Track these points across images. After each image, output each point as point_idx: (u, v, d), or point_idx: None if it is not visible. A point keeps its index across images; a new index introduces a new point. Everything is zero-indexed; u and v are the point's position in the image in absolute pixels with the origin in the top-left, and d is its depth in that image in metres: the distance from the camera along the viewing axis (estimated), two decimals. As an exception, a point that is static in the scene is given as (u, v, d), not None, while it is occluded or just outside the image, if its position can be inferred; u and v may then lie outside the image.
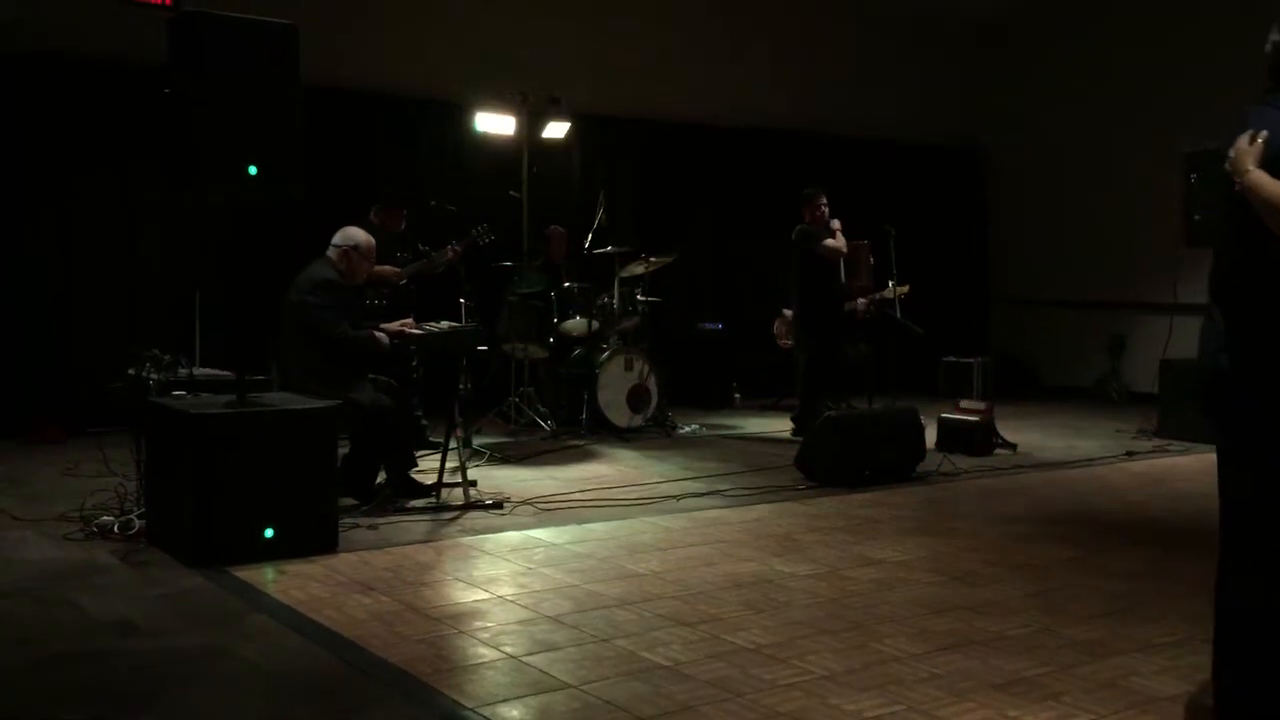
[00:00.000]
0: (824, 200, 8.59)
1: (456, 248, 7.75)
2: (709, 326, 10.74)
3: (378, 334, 6.03)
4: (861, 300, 8.74)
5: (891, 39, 12.29)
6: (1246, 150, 2.85)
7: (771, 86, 11.48)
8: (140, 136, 8.22)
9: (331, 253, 6.06)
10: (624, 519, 5.84)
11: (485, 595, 4.47)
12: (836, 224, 8.55)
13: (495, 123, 9.43)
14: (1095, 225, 11.83)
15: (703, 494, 6.49)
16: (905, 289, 8.60)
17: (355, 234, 6.12)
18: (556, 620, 4.14)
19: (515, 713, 3.32)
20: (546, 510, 5.99)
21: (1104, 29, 11.79)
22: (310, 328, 5.82)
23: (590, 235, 9.07)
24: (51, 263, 8.30)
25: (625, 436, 8.48)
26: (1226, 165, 2.89)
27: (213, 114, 4.74)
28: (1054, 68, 12.28)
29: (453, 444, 6.09)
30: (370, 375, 6.13)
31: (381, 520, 5.63)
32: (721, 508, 6.17)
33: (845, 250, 8.52)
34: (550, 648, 3.84)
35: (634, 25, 10.73)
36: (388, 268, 7.31)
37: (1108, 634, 4.05)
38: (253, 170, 4.77)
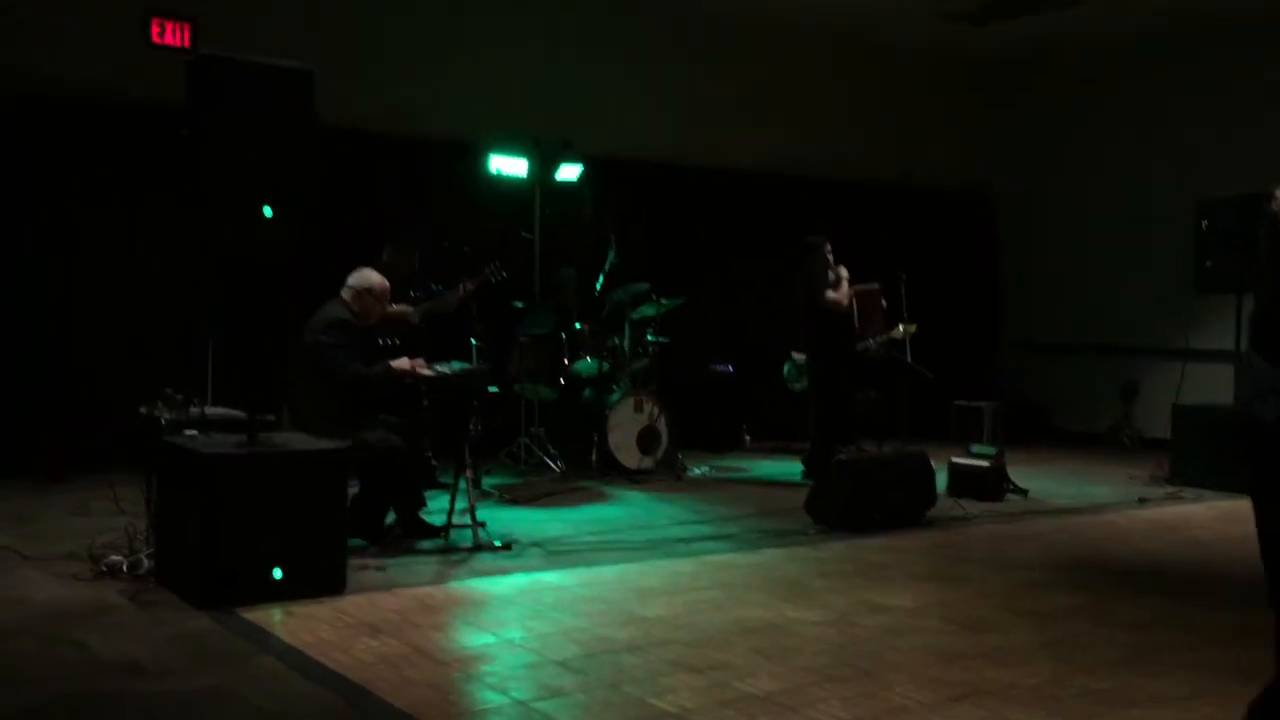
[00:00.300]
0: (828, 248, 8.53)
1: (469, 285, 7.78)
2: (719, 368, 10.73)
3: (393, 364, 6.05)
4: (871, 341, 8.67)
5: (903, 83, 12.36)
6: None
7: (783, 130, 11.54)
8: (153, 176, 8.31)
9: (345, 294, 6.10)
10: (633, 562, 5.82)
11: (493, 639, 4.45)
12: (844, 272, 8.51)
13: (508, 165, 9.50)
14: (1107, 270, 11.83)
15: (712, 537, 6.47)
16: (914, 327, 8.57)
17: (370, 276, 6.16)
18: (564, 665, 4.11)
19: (522, 759, 3.30)
20: (555, 553, 5.97)
21: (1116, 75, 11.85)
22: (324, 367, 5.84)
23: (601, 277, 9.10)
24: (65, 298, 8.35)
25: (635, 478, 8.47)
26: (1273, 205, 2.85)
27: (229, 156, 4.78)
28: (1066, 113, 12.34)
29: (462, 485, 6.08)
30: (381, 416, 6.15)
31: (390, 561, 5.62)
32: (731, 551, 6.14)
33: (845, 302, 8.43)
34: (558, 693, 3.82)
35: (646, 70, 10.82)
36: (403, 308, 7.35)
37: (1120, 684, 4.01)
38: (268, 212, 4.81)
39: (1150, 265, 11.24)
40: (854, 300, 8.53)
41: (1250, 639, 4.65)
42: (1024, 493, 8.09)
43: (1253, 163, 10.28)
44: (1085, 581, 5.62)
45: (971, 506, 7.47)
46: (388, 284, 6.25)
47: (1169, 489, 8.57)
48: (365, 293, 6.09)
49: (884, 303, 8.66)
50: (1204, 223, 8.87)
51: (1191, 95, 11.15)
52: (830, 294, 8.40)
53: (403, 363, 6.07)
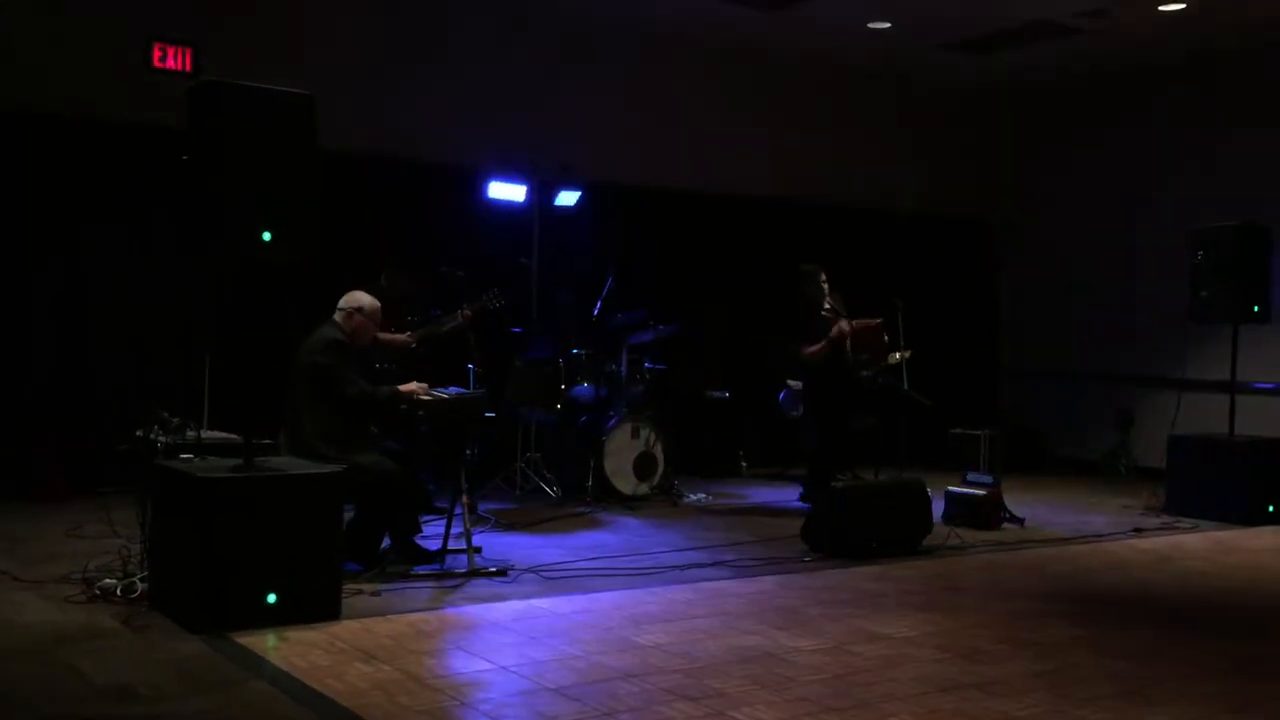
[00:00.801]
0: (823, 277, 8.41)
1: (467, 312, 7.79)
2: (716, 395, 10.74)
3: (400, 388, 6.07)
4: (866, 371, 8.53)
5: (901, 112, 12.42)
6: None
7: (782, 158, 11.59)
8: (153, 198, 8.33)
9: (337, 316, 6.11)
10: (629, 589, 5.81)
11: (488, 665, 4.43)
12: (844, 327, 8.24)
13: (507, 190, 9.53)
14: (1104, 299, 11.87)
15: (708, 564, 6.45)
16: (908, 353, 8.55)
17: (360, 297, 6.17)
18: (559, 692, 4.10)
19: (516, 788, 3.28)
20: (551, 579, 5.96)
21: (1113, 105, 11.92)
22: (329, 388, 5.84)
23: (599, 302, 9.12)
24: (63, 321, 8.36)
25: (631, 504, 8.46)
26: None
27: (230, 182, 4.79)
28: (1063, 143, 12.41)
29: (458, 510, 6.07)
30: (378, 440, 6.15)
31: (385, 587, 5.60)
32: (727, 579, 6.13)
33: (824, 352, 8.22)
34: (552, 721, 3.81)
35: (645, 96, 10.87)
36: (398, 336, 7.36)
37: (1116, 716, 4.00)
38: (266, 236, 4.81)
39: (1146, 295, 11.29)
40: (849, 336, 8.32)
41: (1247, 670, 4.65)
42: (1020, 521, 8.09)
43: (1247, 193, 10.35)
44: (1081, 612, 5.61)
45: (967, 535, 7.47)
46: (378, 304, 6.25)
47: (1164, 519, 8.57)
48: (356, 313, 6.10)
49: (886, 338, 8.43)
50: (1199, 253, 8.91)
51: (1187, 125, 11.22)
52: (808, 349, 8.24)
53: (411, 386, 6.10)
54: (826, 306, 8.39)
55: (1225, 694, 4.29)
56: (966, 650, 4.81)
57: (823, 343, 8.19)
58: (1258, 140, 10.60)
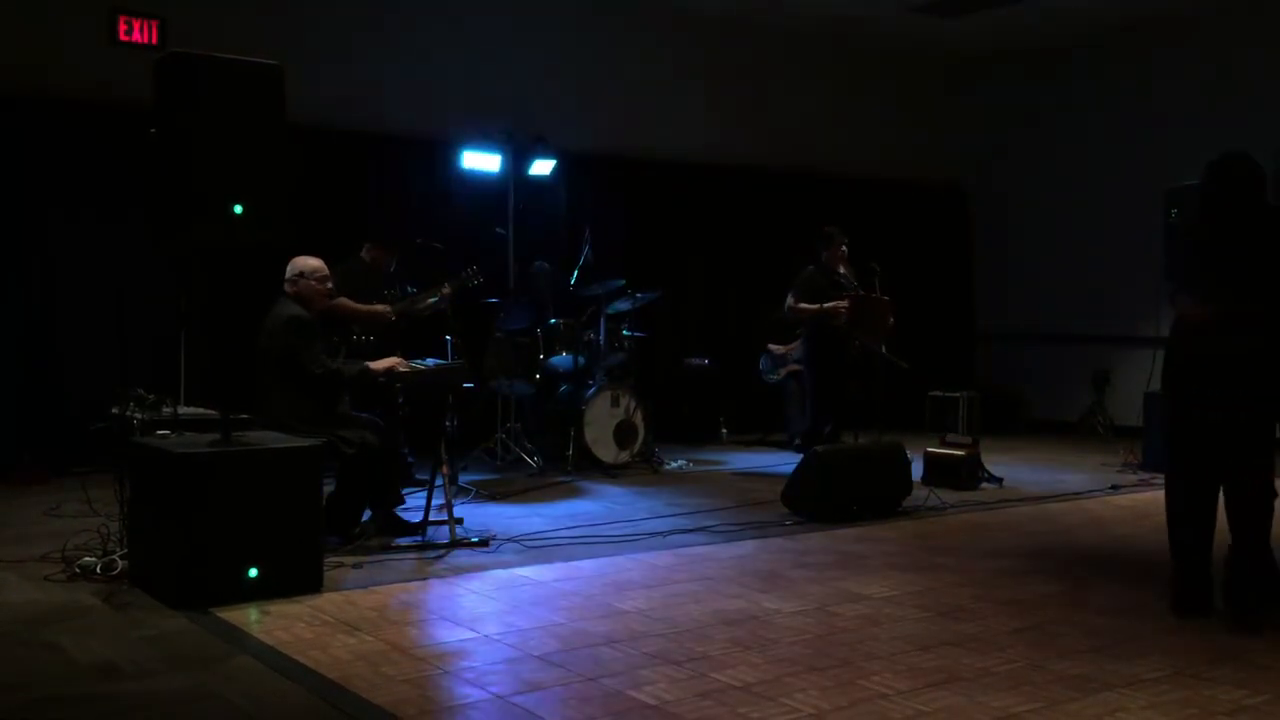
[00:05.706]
0: (843, 244, 8.39)
1: (446, 289, 7.74)
2: (696, 362, 10.75)
3: (371, 365, 6.05)
4: (857, 341, 8.36)
5: (877, 78, 12.41)
6: None
7: (758, 126, 11.57)
8: (123, 175, 8.23)
9: (287, 288, 6.06)
10: (611, 556, 5.83)
11: (471, 634, 4.44)
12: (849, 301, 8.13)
13: (481, 160, 9.47)
14: (1079, 260, 11.92)
15: (690, 530, 6.48)
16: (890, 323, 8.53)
17: (301, 262, 6.10)
18: (543, 659, 4.12)
19: (501, 754, 3.29)
20: (533, 548, 5.97)
21: (1086, 67, 11.93)
22: (294, 367, 5.80)
23: (576, 272, 9.09)
24: (36, 301, 8.27)
25: (612, 472, 8.47)
26: None
27: (199, 155, 4.74)
28: (1036, 107, 12.42)
29: (439, 481, 6.07)
30: (356, 413, 6.13)
31: (367, 559, 5.61)
32: (708, 544, 6.16)
33: (810, 313, 8.30)
34: (537, 687, 3.82)
35: (619, 64, 10.82)
36: (378, 308, 7.33)
37: (1094, 669, 4.05)
38: (238, 210, 4.77)
39: (1121, 255, 11.34)
40: (854, 304, 8.13)
41: (1223, 623, 4.71)
42: (998, 481, 8.15)
43: (1220, 152, 10.37)
44: (1059, 568, 5.66)
45: (947, 496, 7.52)
46: (322, 264, 6.16)
47: (1141, 475, 8.65)
48: (299, 279, 6.03)
49: (891, 320, 8.02)
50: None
51: (1159, 85, 11.24)
52: (800, 305, 8.30)
53: (384, 362, 6.07)
54: (841, 272, 8.35)
55: (1202, 647, 4.35)
56: (946, 609, 4.85)
57: (818, 305, 8.22)
58: (1230, 98, 10.63)
